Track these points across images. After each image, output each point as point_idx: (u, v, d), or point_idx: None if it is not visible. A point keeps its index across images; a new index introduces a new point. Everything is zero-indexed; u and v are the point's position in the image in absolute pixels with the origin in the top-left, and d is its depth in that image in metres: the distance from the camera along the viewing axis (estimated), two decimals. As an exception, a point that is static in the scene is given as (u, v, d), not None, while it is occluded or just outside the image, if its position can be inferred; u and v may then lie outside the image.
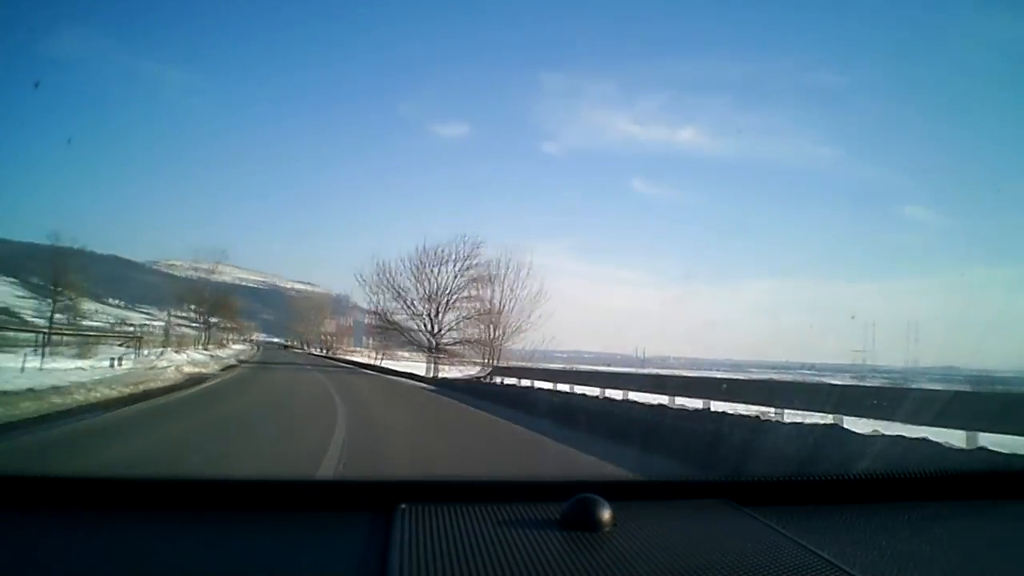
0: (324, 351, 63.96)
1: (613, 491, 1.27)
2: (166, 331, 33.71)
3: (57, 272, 36.22)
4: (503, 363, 29.47)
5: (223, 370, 21.52)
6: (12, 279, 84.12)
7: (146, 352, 22.71)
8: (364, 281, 33.38)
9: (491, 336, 30.99)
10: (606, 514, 1.16)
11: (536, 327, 30.48)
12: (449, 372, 28.82)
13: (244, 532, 1.20)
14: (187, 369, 18.47)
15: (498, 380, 23.09)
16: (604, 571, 1.00)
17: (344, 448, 6.29)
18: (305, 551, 1.11)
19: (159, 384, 12.72)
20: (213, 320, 49.49)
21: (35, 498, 1.27)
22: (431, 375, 27.89)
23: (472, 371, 29.12)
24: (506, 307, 30.78)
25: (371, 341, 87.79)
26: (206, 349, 34.96)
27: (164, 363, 18.78)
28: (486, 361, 30.32)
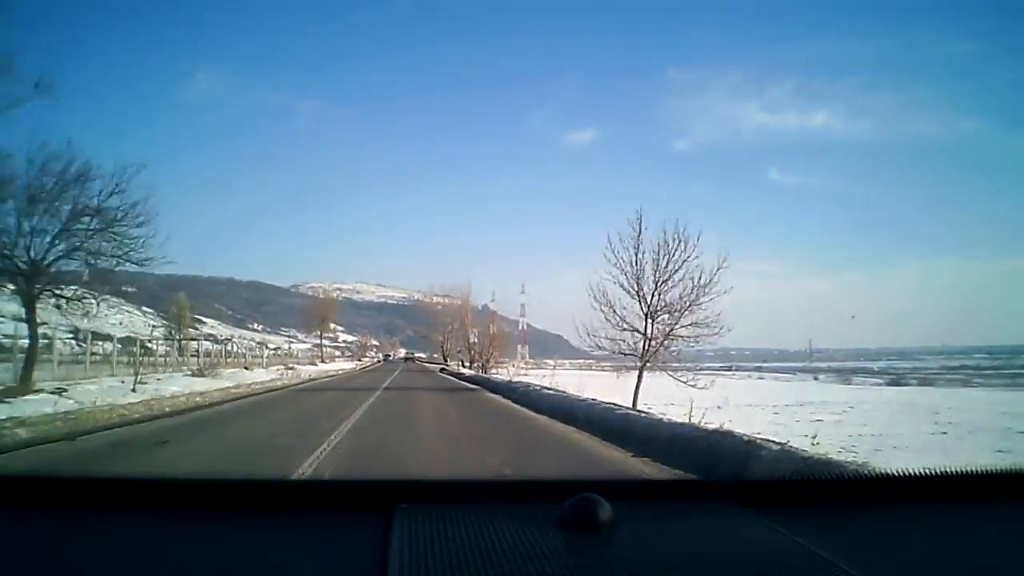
0: (468, 364, 42.09)
1: (613, 491, 1.24)
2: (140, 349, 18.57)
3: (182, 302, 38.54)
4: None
5: None
6: (149, 310, 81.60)
7: None
8: None
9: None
10: (606, 514, 1.14)
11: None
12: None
13: (244, 532, 1.19)
14: None
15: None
16: (604, 571, 0.99)
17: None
18: (305, 551, 1.10)
19: None
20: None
21: (35, 498, 1.28)
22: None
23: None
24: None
25: (524, 349, 71.86)
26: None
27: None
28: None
